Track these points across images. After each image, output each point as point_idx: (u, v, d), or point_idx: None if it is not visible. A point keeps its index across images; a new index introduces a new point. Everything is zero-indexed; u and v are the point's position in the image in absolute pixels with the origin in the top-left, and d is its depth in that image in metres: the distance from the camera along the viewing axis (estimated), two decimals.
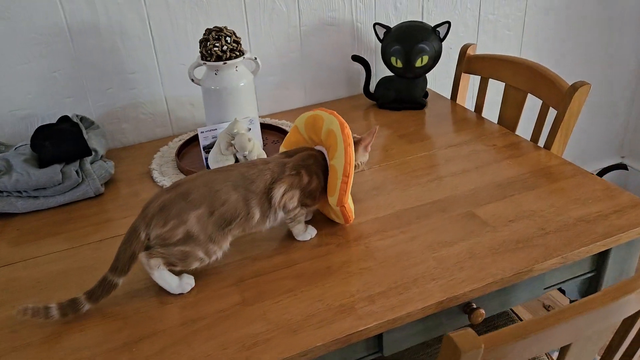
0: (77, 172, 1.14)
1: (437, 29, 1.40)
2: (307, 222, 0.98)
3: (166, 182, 1.19)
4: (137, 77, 1.37)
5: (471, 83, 1.55)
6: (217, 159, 1.17)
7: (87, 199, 1.16)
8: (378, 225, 0.98)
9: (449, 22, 1.39)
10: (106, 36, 1.29)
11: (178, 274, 0.86)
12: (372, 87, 1.58)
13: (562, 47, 1.91)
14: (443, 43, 1.43)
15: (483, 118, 1.40)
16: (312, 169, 0.91)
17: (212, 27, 1.15)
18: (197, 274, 0.88)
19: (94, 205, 1.14)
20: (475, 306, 0.87)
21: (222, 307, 0.82)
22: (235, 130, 1.15)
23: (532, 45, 1.84)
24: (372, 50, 1.59)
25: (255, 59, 1.23)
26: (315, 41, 1.51)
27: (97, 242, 1.01)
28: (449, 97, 1.56)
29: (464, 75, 1.52)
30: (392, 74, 1.49)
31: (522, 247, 0.89)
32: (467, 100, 1.56)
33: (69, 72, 1.30)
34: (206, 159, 1.21)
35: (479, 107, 1.50)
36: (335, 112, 0.92)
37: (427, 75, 1.47)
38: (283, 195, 0.88)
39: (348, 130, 0.89)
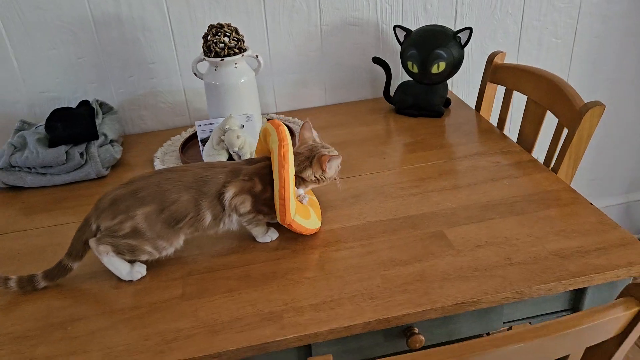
0: (81, 154, 1.22)
1: (458, 34, 1.33)
2: (273, 225, 0.99)
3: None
4: (157, 67, 1.43)
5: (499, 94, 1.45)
6: (209, 153, 1.20)
7: (90, 180, 1.24)
8: (340, 235, 0.96)
9: (470, 28, 1.32)
10: (128, 27, 1.36)
11: (131, 261, 0.90)
12: (393, 91, 1.53)
13: (620, 61, 1.73)
14: (476, 49, 1.35)
15: (499, 132, 1.31)
16: (267, 179, 0.90)
17: (214, 24, 1.18)
18: (153, 262, 0.92)
19: (94, 186, 1.22)
20: (416, 331, 0.83)
21: (161, 298, 0.85)
22: (227, 126, 1.17)
23: (584, 56, 1.69)
24: (397, 53, 1.54)
25: (257, 56, 1.24)
26: (337, 41, 1.49)
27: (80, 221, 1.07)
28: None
29: (490, 85, 1.43)
30: (410, 78, 1.44)
31: (477, 276, 0.84)
32: (494, 111, 1.47)
33: (93, 60, 1.38)
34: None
35: (501, 120, 1.41)
36: (281, 126, 0.89)
37: (458, 81, 1.40)
38: (233, 197, 0.88)
39: (284, 151, 0.86)
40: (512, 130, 1.37)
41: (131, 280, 0.89)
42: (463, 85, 1.64)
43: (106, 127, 1.31)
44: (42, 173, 1.21)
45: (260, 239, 0.96)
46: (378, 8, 1.47)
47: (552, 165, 1.16)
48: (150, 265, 0.92)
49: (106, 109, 1.40)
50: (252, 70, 1.25)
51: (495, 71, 1.40)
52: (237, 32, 1.18)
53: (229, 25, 1.18)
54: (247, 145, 1.19)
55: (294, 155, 0.93)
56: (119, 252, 0.87)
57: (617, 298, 0.64)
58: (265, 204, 0.90)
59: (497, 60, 1.40)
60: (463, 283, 0.82)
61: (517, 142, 1.32)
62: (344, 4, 1.45)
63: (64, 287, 0.89)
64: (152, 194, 0.85)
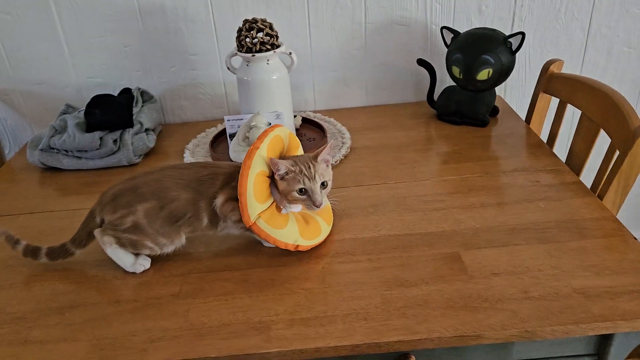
0: (115, 141, 1.25)
1: (509, 39, 1.24)
2: None
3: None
4: (198, 59, 1.43)
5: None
6: (235, 149, 1.19)
7: (121, 166, 1.26)
8: (350, 247, 0.92)
9: (522, 33, 1.22)
10: (171, 18, 1.37)
11: (136, 254, 0.90)
12: (437, 95, 1.45)
13: None
14: (535, 56, 1.24)
15: (547, 148, 1.20)
16: None
17: (249, 18, 1.16)
18: (160, 256, 0.91)
19: (125, 173, 1.24)
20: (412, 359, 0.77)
21: (158, 294, 0.84)
22: (253, 123, 1.15)
23: None
24: (445, 55, 1.46)
25: (290, 54, 1.21)
26: (381, 40, 1.43)
27: None
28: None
29: (542, 96, 1.32)
30: (455, 84, 1.35)
31: (485, 308, 0.77)
32: (545, 124, 1.36)
33: (137, 48, 1.41)
34: None
35: (552, 134, 1.30)
36: (267, 130, 0.87)
37: (511, 89, 1.30)
38: (222, 205, 0.86)
39: (252, 147, 0.83)
40: (563, 146, 1.26)
41: (134, 272, 0.90)
42: (517, 94, 1.53)
43: (144, 115, 1.33)
44: (78, 157, 1.25)
45: (265, 244, 0.93)
46: (427, 7, 1.40)
47: (598, 191, 1.05)
48: (157, 258, 0.92)
49: (147, 97, 1.42)
50: (285, 67, 1.22)
51: (549, 81, 1.29)
52: (271, 27, 1.16)
53: (263, 21, 1.15)
54: None
55: (285, 158, 0.88)
56: (122, 244, 0.87)
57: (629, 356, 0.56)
58: None
59: (552, 69, 1.28)
60: (468, 314, 0.76)
61: (565, 160, 1.21)
62: (390, 2, 1.38)
63: (71, 271, 0.91)
64: (152, 191, 0.85)
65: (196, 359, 0.73)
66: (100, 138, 1.24)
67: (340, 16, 1.40)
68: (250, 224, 0.83)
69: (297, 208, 0.91)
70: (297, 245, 0.88)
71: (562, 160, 1.16)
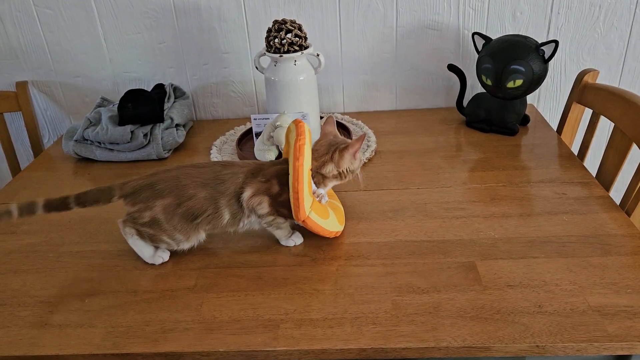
0: (145, 135, 1.28)
1: (542, 47, 1.21)
2: (299, 230, 0.96)
3: (219, 159, 1.27)
4: (230, 57, 1.46)
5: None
6: (259, 148, 1.21)
7: (151, 160, 1.30)
8: (365, 250, 0.92)
9: (556, 42, 1.19)
10: (205, 16, 1.40)
11: (156, 246, 0.93)
12: (467, 102, 1.43)
13: None
14: (571, 65, 1.21)
15: (577, 160, 1.17)
16: (284, 180, 0.87)
17: (279, 19, 1.17)
18: (178, 250, 0.94)
19: (154, 166, 1.27)
20: None
21: (174, 286, 0.87)
22: (277, 123, 1.16)
23: None
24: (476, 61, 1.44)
25: (318, 55, 1.22)
26: (412, 44, 1.43)
27: None
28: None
29: (576, 106, 1.29)
30: (485, 90, 1.33)
31: (496, 319, 0.75)
32: (577, 135, 1.32)
33: (172, 45, 1.45)
34: None
35: (584, 146, 1.26)
36: (302, 122, 0.87)
37: (544, 98, 1.27)
38: (249, 198, 0.87)
39: (301, 144, 0.84)
40: (595, 159, 1.22)
41: (153, 264, 0.92)
42: (550, 103, 1.49)
43: (175, 111, 1.37)
44: (110, 149, 1.29)
45: (283, 242, 0.94)
46: (460, 12, 1.38)
47: (627, 207, 1.02)
48: (176, 252, 0.94)
49: (179, 93, 1.46)
50: (313, 69, 1.23)
51: (583, 91, 1.26)
52: (300, 29, 1.17)
53: (292, 22, 1.16)
54: None
55: (313, 151, 0.90)
56: (142, 236, 0.90)
57: None
58: (284, 205, 0.88)
59: (587, 79, 1.25)
60: (478, 324, 0.75)
61: (596, 174, 1.18)
62: (422, 6, 1.37)
63: (94, 259, 0.94)
64: (170, 188, 0.87)
65: (204, 352, 0.74)
66: (132, 132, 1.27)
67: (372, 20, 1.40)
68: (305, 219, 0.85)
69: (326, 198, 0.94)
70: (338, 232, 0.93)
71: (593, 173, 1.13)
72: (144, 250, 0.91)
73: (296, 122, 0.87)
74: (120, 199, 0.89)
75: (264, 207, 0.88)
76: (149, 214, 0.87)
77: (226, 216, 0.88)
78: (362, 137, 0.90)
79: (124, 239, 0.99)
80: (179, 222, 0.87)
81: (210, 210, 0.87)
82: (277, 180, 0.88)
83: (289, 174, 0.87)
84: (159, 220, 0.87)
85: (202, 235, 0.91)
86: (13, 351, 0.76)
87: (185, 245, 0.91)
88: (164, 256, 0.92)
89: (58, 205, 0.88)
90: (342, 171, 0.92)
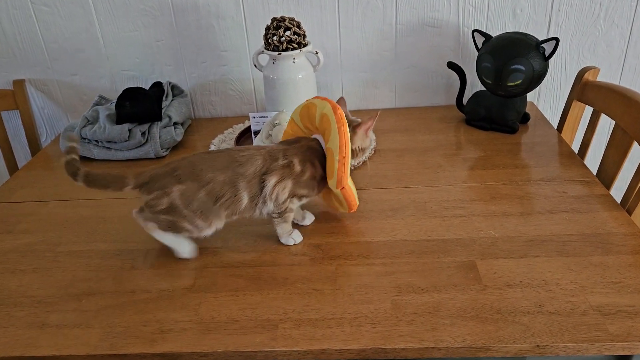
0: (143, 133, 1.27)
1: (542, 45, 1.20)
2: (299, 229, 0.96)
3: None
4: (228, 55, 1.45)
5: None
6: None
7: (148, 159, 1.29)
8: (364, 250, 0.91)
9: (556, 39, 1.18)
10: (203, 14, 1.39)
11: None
12: (467, 100, 1.43)
13: None
14: (571, 62, 1.21)
15: (577, 158, 1.17)
16: (306, 156, 0.90)
17: (277, 17, 1.16)
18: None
19: (152, 165, 1.25)
20: None
21: (172, 286, 0.86)
22: (276, 121, 1.16)
23: None
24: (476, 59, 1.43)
25: (317, 53, 1.21)
26: (412, 42, 1.42)
27: (128, 199, 1.12)
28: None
29: (576, 104, 1.28)
30: (485, 88, 1.33)
31: (497, 319, 0.75)
32: (578, 133, 1.31)
33: (170, 43, 1.44)
34: None
35: (584, 144, 1.26)
36: (327, 98, 0.90)
37: (544, 95, 1.27)
38: (275, 185, 0.88)
39: (341, 112, 0.87)
40: (596, 157, 1.21)
41: (181, 258, 0.92)
42: (551, 100, 1.49)
43: (173, 109, 1.36)
44: (108, 147, 1.29)
45: (283, 240, 0.94)
46: (460, 10, 1.37)
47: (628, 205, 1.01)
48: (172, 252, 0.93)
49: (177, 91, 1.45)
50: (312, 67, 1.22)
51: (584, 89, 1.25)
52: (299, 26, 1.16)
53: (291, 19, 1.16)
54: None
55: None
56: (162, 228, 0.89)
57: None
58: (305, 185, 0.90)
59: (587, 76, 1.24)
60: (478, 324, 0.74)
61: (596, 172, 1.17)
62: (422, 4, 1.36)
63: (92, 259, 0.94)
64: (187, 173, 0.86)
65: (202, 353, 0.74)
66: (130, 130, 1.27)
67: (371, 17, 1.39)
68: (344, 185, 0.88)
69: None
70: (356, 206, 0.97)
71: (593, 171, 1.12)
72: (179, 243, 0.91)
73: (321, 99, 0.91)
74: (135, 188, 0.87)
75: (285, 193, 0.89)
76: (167, 200, 0.85)
77: (245, 200, 0.88)
78: (376, 115, 0.93)
79: (122, 238, 0.99)
80: (199, 206, 0.86)
81: (230, 194, 0.87)
82: (298, 159, 0.89)
83: (311, 151, 0.91)
84: (177, 206, 0.86)
85: (221, 223, 0.90)
86: (10, 352, 0.75)
87: (208, 232, 0.89)
88: (192, 250, 0.92)
89: (72, 169, 0.87)
90: (355, 149, 0.93)
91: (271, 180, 0.88)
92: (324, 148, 0.92)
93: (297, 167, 0.89)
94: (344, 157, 0.86)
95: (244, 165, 0.87)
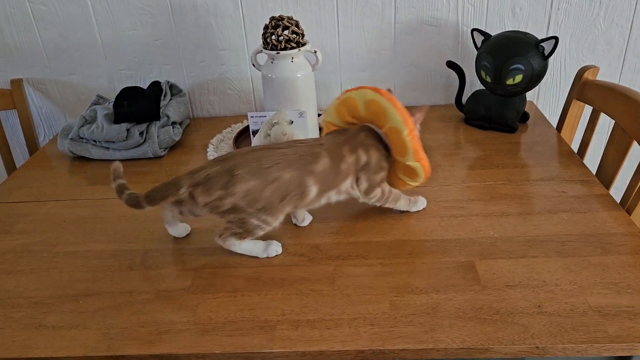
0: (141, 133, 1.27)
1: (542, 44, 1.20)
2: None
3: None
4: (227, 54, 1.44)
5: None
6: None
7: (147, 158, 1.29)
8: (363, 250, 0.91)
9: (555, 38, 1.18)
10: (202, 13, 1.39)
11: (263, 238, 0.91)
12: (466, 99, 1.42)
13: None
14: (570, 61, 1.20)
15: (577, 157, 1.16)
16: (367, 144, 0.91)
17: (276, 15, 1.16)
18: (178, 250, 0.93)
19: (150, 165, 1.26)
20: None
21: (170, 287, 0.86)
22: (275, 121, 1.15)
23: None
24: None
25: (315, 52, 1.21)
26: (411, 41, 1.41)
27: None
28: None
29: (576, 103, 1.28)
30: (484, 87, 1.32)
31: (495, 320, 0.74)
32: (577, 133, 1.31)
33: (168, 42, 1.43)
34: None
35: (584, 143, 1.25)
36: (361, 86, 0.92)
37: (544, 94, 1.27)
38: (351, 184, 0.91)
39: (385, 91, 0.89)
40: (595, 157, 1.21)
41: (181, 260, 0.91)
42: (550, 100, 1.48)
43: (171, 109, 1.35)
44: (106, 147, 1.28)
45: (414, 209, 0.99)
46: (459, 8, 1.37)
47: (627, 205, 1.01)
48: (173, 252, 0.93)
49: (176, 91, 1.45)
50: (310, 66, 1.22)
51: (583, 88, 1.24)
52: (297, 25, 1.16)
53: (289, 18, 1.15)
54: None
55: None
56: (239, 236, 0.88)
57: None
58: (379, 170, 0.92)
59: (587, 75, 1.24)
60: (477, 325, 0.74)
61: (596, 172, 1.17)
62: (421, 3, 1.36)
63: (89, 260, 0.93)
64: (251, 172, 0.84)
65: (200, 354, 0.73)
66: (128, 130, 1.26)
67: (370, 16, 1.38)
68: (421, 157, 0.90)
69: None
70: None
71: (593, 171, 1.12)
72: (254, 248, 0.91)
73: (354, 89, 0.93)
74: (190, 188, 0.85)
75: (365, 184, 0.92)
76: (230, 201, 0.84)
77: (312, 194, 0.88)
78: (425, 108, 0.96)
79: (119, 239, 0.99)
80: (264, 205, 0.85)
81: (297, 191, 0.86)
82: (362, 149, 0.91)
83: (367, 133, 0.92)
84: (240, 207, 0.84)
85: (282, 216, 0.89)
86: (6, 353, 0.75)
87: (275, 224, 0.89)
88: (278, 249, 0.91)
89: (132, 200, 0.86)
90: None
91: (347, 179, 0.90)
92: (379, 133, 0.93)
93: (363, 158, 0.91)
94: (412, 130, 0.88)
95: (312, 164, 0.87)
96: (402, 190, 0.99)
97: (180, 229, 0.97)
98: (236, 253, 0.92)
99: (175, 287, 0.86)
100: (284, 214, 0.89)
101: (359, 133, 0.93)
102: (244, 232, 0.87)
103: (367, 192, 0.93)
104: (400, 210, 0.99)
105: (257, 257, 0.91)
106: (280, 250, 0.91)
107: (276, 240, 0.92)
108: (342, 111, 0.97)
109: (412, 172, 0.93)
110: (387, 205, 0.97)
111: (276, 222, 0.88)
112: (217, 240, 0.89)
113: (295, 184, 0.86)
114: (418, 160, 0.90)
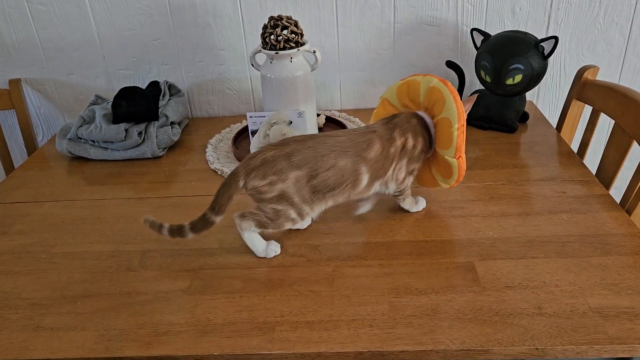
0: (140, 133, 1.26)
1: (541, 43, 1.19)
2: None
3: (214, 157, 1.25)
4: (226, 54, 1.44)
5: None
6: (255, 146, 1.19)
7: (145, 159, 1.28)
8: (362, 251, 0.91)
9: (555, 38, 1.17)
10: (200, 12, 1.38)
11: (267, 238, 0.92)
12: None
13: None
14: (570, 61, 1.20)
15: (577, 157, 1.16)
16: (416, 130, 0.92)
17: (274, 15, 1.16)
18: (173, 251, 0.93)
19: (149, 165, 1.26)
20: None
21: (168, 288, 0.85)
22: (273, 121, 1.15)
23: None
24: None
25: (314, 52, 1.20)
26: (410, 40, 1.41)
27: (124, 199, 1.11)
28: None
29: (575, 103, 1.27)
30: (483, 87, 1.32)
31: (495, 321, 0.74)
32: (577, 133, 1.31)
33: (166, 42, 1.43)
34: None
35: (584, 144, 1.25)
36: (430, 74, 0.95)
37: (543, 94, 1.26)
38: (395, 167, 0.91)
39: (450, 84, 0.91)
40: (595, 157, 1.21)
41: (182, 264, 0.91)
42: (550, 99, 1.48)
43: (170, 109, 1.35)
44: (104, 147, 1.28)
45: (414, 209, 1.00)
46: (458, 8, 1.36)
47: (627, 206, 1.01)
48: (172, 253, 0.93)
49: (174, 91, 1.44)
50: (309, 66, 1.21)
51: (583, 88, 1.24)
52: (296, 25, 1.15)
53: (288, 18, 1.15)
54: None
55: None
56: (260, 224, 0.87)
57: None
58: (417, 159, 0.93)
59: (587, 75, 1.23)
60: (476, 327, 0.74)
61: (596, 172, 1.17)
62: (420, 2, 1.36)
63: (87, 261, 0.93)
64: (307, 159, 0.84)
65: (198, 356, 0.73)
66: (126, 130, 1.26)
67: (369, 15, 1.38)
68: (461, 155, 0.91)
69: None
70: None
71: (593, 171, 1.12)
72: (258, 245, 0.90)
73: (422, 75, 0.97)
74: (246, 175, 0.84)
75: (403, 171, 0.93)
76: (280, 187, 0.83)
77: (364, 183, 0.88)
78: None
79: (117, 239, 0.98)
80: (308, 193, 0.85)
81: (351, 179, 0.87)
82: (411, 134, 0.91)
83: (417, 124, 0.92)
84: (288, 194, 0.84)
85: (323, 208, 0.89)
86: (4, 355, 0.75)
87: (308, 221, 0.91)
88: (276, 249, 0.91)
89: (201, 224, 0.86)
90: None
91: (393, 163, 0.91)
92: (428, 122, 0.94)
93: (411, 142, 0.92)
94: (462, 126, 0.89)
95: (366, 150, 0.87)
96: (426, 187, 1.03)
97: (261, 248, 0.91)
98: (236, 253, 0.91)
99: (173, 288, 0.85)
100: (323, 206, 0.88)
101: (411, 119, 0.93)
102: (271, 222, 0.87)
103: (402, 180, 0.94)
104: (401, 207, 1.00)
105: (255, 258, 0.90)
106: (279, 251, 0.91)
107: (274, 241, 0.92)
108: (402, 91, 0.99)
109: (447, 170, 0.93)
110: (400, 198, 0.97)
111: (313, 213, 0.88)
112: (235, 216, 0.88)
113: (349, 171, 0.86)
114: (457, 157, 0.90)
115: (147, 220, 0.88)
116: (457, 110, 0.89)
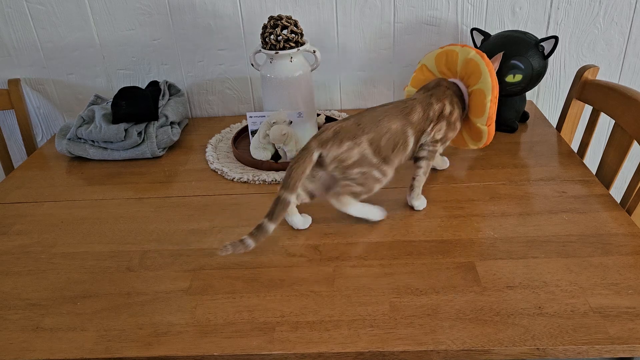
0: (139, 133, 1.26)
1: (541, 43, 1.19)
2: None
3: (214, 157, 1.25)
4: (225, 54, 1.44)
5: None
6: (255, 146, 1.19)
7: (145, 159, 1.28)
8: (362, 250, 0.91)
9: (555, 37, 1.17)
10: (200, 12, 1.38)
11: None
12: None
13: None
14: (570, 61, 1.20)
15: (577, 157, 1.16)
16: (453, 99, 0.99)
17: (274, 15, 1.15)
18: (174, 251, 0.93)
19: (148, 165, 1.26)
20: None
21: (168, 288, 0.85)
22: (273, 121, 1.15)
23: None
24: None
25: (314, 52, 1.20)
26: (410, 40, 1.41)
27: (124, 199, 1.11)
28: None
29: (575, 103, 1.27)
30: None
31: (496, 321, 0.74)
32: (577, 133, 1.31)
33: (166, 42, 1.43)
34: None
35: (584, 143, 1.25)
36: (468, 45, 1.01)
37: (543, 94, 1.26)
38: (433, 129, 0.97)
39: (486, 57, 0.98)
40: (595, 157, 1.21)
41: (180, 263, 0.90)
42: (550, 99, 1.48)
43: (169, 109, 1.35)
44: (104, 147, 1.27)
45: (417, 203, 1.01)
46: (458, 8, 1.36)
47: (628, 205, 1.01)
48: (172, 253, 0.93)
49: (174, 90, 1.44)
50: (309, 66, 1.21)
51: (583, 87, 1.24)
52: (296, 25, 1.15)
53: (288, 18, 1.14)
54: (293, 142, 1.16)
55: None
56: (354, 194, 0.92)
57: None
58: (453, 127, 0.99)
59: (587, 75, 1.23)
60: (477, 327, 0.73)
61: (596, 171, 1.17)
62: (420, 2, 1.35)
63: (87, 261, 0.93)
64: (370, 124, 0.90)
65: (198, 356, 0.73)
66: (126, 130, 1.25)
67: (369, 15, 1.38)
68: (491, 123, 0.98)
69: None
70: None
71: (593, 171, 1.12)
72: (369, 210, 0.96)
73: (461, 46, 1.02)
74: (320, 148, 0.87)
75: (441, 133, 0.98)
76: (357, 150, 0.88)
77: (410, 145, 0.95)
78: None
79: (117, 239, 0.98)
80: (384, 153, 0.91)
81: (402, 141, 0.93)
82: (448, 101, 0.98)
83: (454, 92, 1.00)
84: (367, 156, 0.90)
85: (393, 170, 0.95)
86: (3, 356, 0.74)
87: (391, 176, 0.94)
88: (385, 212, 0.98)
89: (278, 209, 0.85)
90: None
91: (431, 125, 0.96)
92: (463, 91, 1.01)
93: (448, 109, 0.98)
94: (495, 97, 0.96)
95: (410, 114, 0.94)
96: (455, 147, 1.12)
97: (300, 220, 0.96)
98: (235, 254, 0.91)
99: (173, 288, 0.85)
100: (396, 166, 0.95)
101: (449, 88, 1.00)
102: (363, 188, 0.92)
103: (435, 142, 0.98)
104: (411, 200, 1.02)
105: (255, 258, 0.90)
106: (386, 212, 0.98)
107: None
108: (441, 59, 1.05)
109: (477, 135, 1.02)
110: (421, 169, 1.00)
111: (392, 172, 0.94)
112: (330, 199, 0.93)
113: (399, 133, 0.92)
114: (488, 125, 0.98)
115: (225, 248, 0.84)
116: (491, 83, 0.95)
